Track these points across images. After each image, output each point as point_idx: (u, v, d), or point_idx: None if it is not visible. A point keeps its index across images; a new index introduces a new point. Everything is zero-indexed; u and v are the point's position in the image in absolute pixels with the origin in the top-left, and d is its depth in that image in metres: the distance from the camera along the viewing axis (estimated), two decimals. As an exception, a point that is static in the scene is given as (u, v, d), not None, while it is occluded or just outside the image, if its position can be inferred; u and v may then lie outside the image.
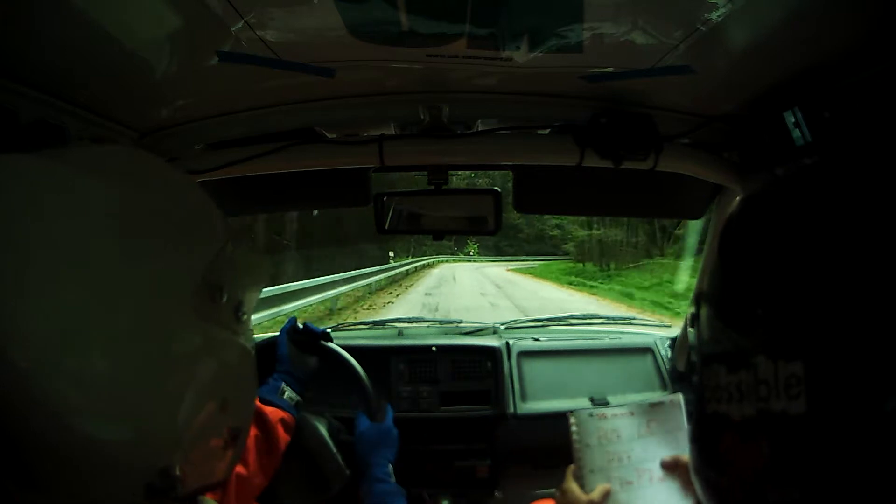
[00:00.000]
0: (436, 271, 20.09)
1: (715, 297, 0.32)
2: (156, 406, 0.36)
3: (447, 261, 28.06)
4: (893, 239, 0.24)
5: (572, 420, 0.73)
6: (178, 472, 0.37)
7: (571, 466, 0.71)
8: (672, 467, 0.68)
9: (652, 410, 0.73)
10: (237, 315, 0.43)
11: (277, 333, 1.33)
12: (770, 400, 0.26)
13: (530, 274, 19.92)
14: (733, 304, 0.30)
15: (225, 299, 0.41)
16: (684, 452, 0.71)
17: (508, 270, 22.55)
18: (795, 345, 0.26)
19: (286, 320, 1.05)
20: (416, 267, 18.87)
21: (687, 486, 0.67)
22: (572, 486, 0.69)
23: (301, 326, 1.03)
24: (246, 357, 0.45)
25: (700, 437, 0.34)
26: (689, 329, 0.39)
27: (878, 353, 0.23)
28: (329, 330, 1.50)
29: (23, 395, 0.31)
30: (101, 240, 0.35)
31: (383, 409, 1.04)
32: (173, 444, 0.37)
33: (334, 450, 1.03)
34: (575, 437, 0.71)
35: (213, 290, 0.40)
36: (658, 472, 0.67)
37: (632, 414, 0.73)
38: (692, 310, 0.36)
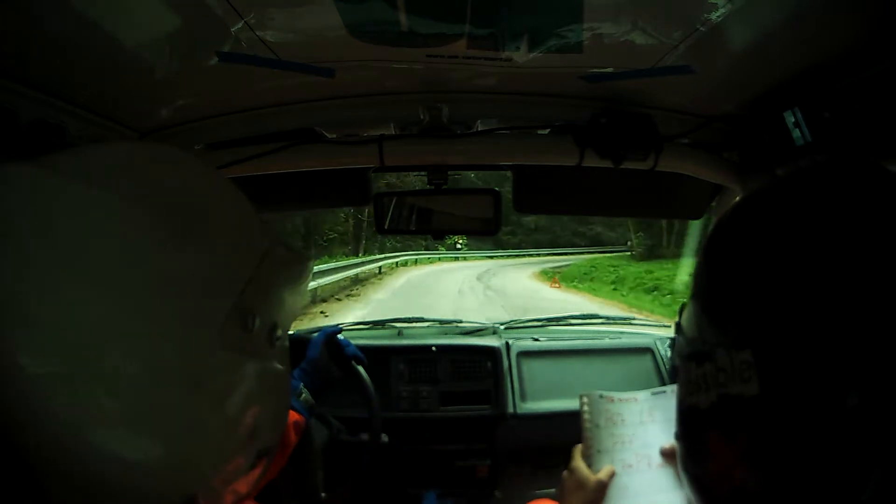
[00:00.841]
0: (399, 283, 11.28)
1: (692, 299, 0.36)
2: (183, 440, 0.34)
3: (423, 259, 18.99)
4: (832, 238, 0.28)
5: (584, 400, 0.75)
6: (200, 499, 0.35)
7: (579, 446, 0.73)
8: (671, 455, 0.69)
9: (654, 398, 0.74)
10: (271, 339, 0.40)
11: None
12: (728, 385, 0.30)
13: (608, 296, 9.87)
14: (703, 304, 0.34)
15: (258, 325, 0.38)
16: None
17: (538, 280, 13.49)
18: (745, 333, 0.29)
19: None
20: (364, 273, 11.42)
21: None
22: (580, 464, 0.70)
23: (341, 339, 1.03)
24: (279, 380, 0.42)
25: (680, 432, 0.36)
26: (675, 334, 0.41)
27: (820, 338, 0.26)
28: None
29: (43, 426, 0.30)
30: (123, 268, 0.32)
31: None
32: (200, 476, 0.35)
33: (319, 459, 1.04)
34: (586, 416, 0.73)
35: (244, 317, 0.36)
36: (657, 458, 0.69)
37: (636, 400, 0.74)
38: (677, 318, 0.39)
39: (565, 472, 0.72)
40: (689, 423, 0.35)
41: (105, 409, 0.31)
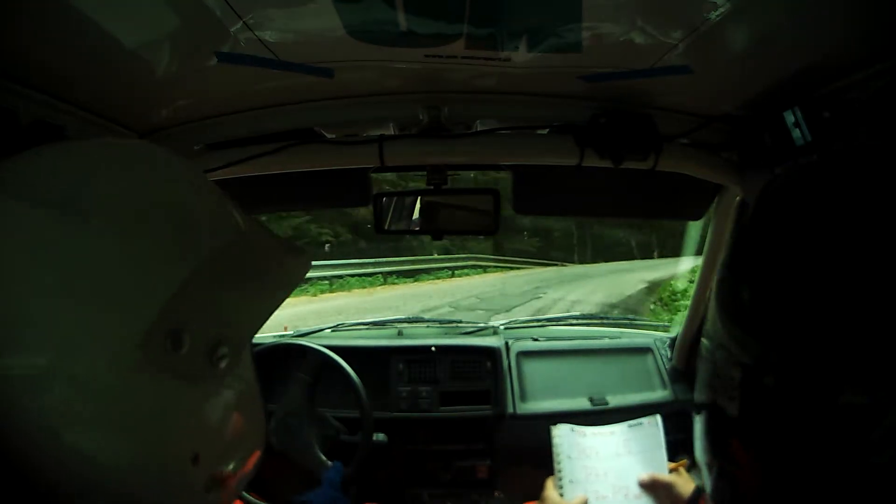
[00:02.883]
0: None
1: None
2: (110, 462, 0.31)
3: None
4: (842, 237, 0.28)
5: (555, 433, 0.78)
6: None
7: (550, 478, 0.75)
8: (649, 486, 0.70)
9: (630, 431, 0.77)
10: (212, 360, 0.35)
11: (283, 335, 1.33)
12: (750, 378, 0.30)
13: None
14: (720, 299, 0.34)
15: (189, 344, 0.33)
16: (661, 471, 0.75)
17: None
18: (755, 326, 0.30)
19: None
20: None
21: (662, 503, 0.71)
22: (552, 493, 0.73)
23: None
24: (226, 404, 0.38)
25: (708, 428, 0.36)
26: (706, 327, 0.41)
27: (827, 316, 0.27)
28: (331, 330, 1.51)
29: None
30: (38, 271, 0.30)
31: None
32: (135, 500, 0.33)
33: (319, 458, 1.04)
34: (556, 448, 0.75)
35: (172, 334, 0.32)
36: (635, 489, 0.70)
37: (612, 433, 0.76)
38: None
39: (537, 502, 0.74)
40: (714, 411, 0.34)
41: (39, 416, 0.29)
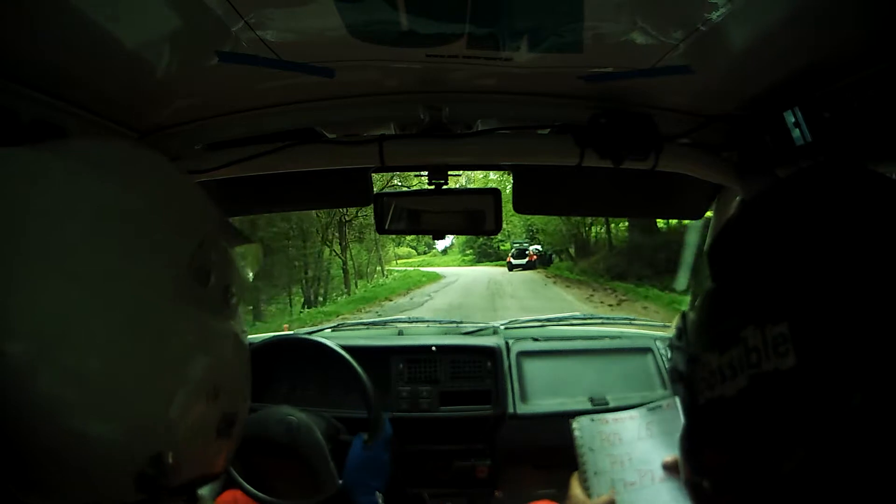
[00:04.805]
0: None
1: (706, 295, 0.35)
2: (143, 393, 0.35)
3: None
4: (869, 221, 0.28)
5: (575, 426, 0.75)
6: (169, 461, 0.36)
7: (576, 473, 0.73)
8: (673, 468, 0.69)
9: (650, 414, 0.75)
10: (226, 298, 0.42)
11: (282, 333, 1.33)
12: (761, 364, 0.29)
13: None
14: (723, 292, 0.33)
15: (213, 282, 0.40)
16: None
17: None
18: (780, 308, 0.29)
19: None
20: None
21: None
22: (577, 492, 0.71)
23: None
24: (237, 342, 0.43)
25: (695, 434, 0.35)
26: (673, 343, 0.40)
27: (855, 311, 0.27)
28: (331, 329, 1.51)
29: (8, 392, 0.32)
30: (72, 234, 0.34)
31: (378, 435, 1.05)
32: (163, 432, 0.36)
33: (329, 458, 1.04)
34: (578, 441, 0.73)
35: (199, 273, 0.38)
36: (659, 473, 0.69)
37: (632, 418, 0.74)
38: (679, 323, 0.38)
39: (565, 501, 0.73)
40: (712, 418, 0.33)
41: (66, 366, 0.32)
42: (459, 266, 27.14)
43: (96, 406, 0.33)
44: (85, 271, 0.34)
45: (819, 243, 0.29)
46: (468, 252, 29.10)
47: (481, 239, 23.63)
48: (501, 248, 25.28)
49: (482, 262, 26.28)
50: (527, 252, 20.11)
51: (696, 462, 0.35)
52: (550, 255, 19.74)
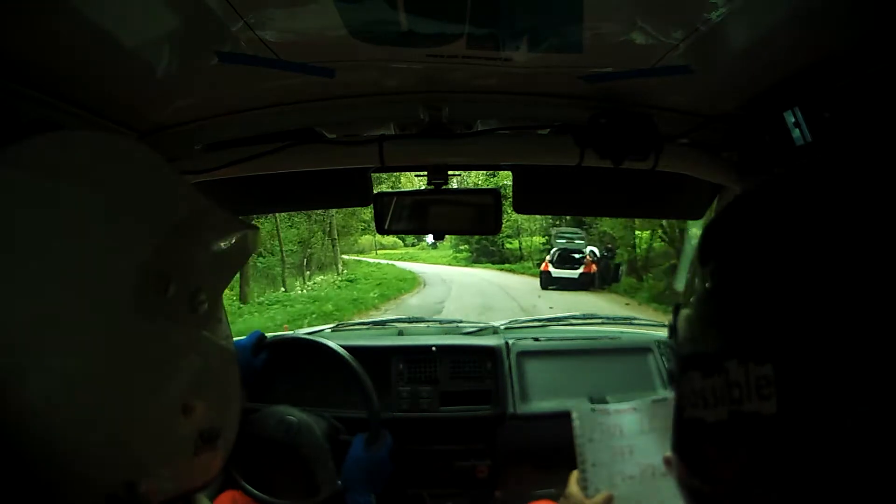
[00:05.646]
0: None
1: (692, 303, 0.32)
2: (103, 416, 0.32)
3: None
4: (864, 243, 0.25)
5: (574, 415, 0.73)
6: (141, 488, 0.34)
7: (575, 472, 0.72)
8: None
9: (654, 407, 0.73)
10: (193, 305, 0.38)
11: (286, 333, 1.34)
12: (742, 402, 0.26)
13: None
14: (707, 308, 0.31)
15: (173, 290, 0.36)
16: None
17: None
18: (765, 348, 0.26)
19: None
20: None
21: None
22: (575, 489, 0.69)
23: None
24: (214, 350, 0.40)
25: (679, 444, 0.33)
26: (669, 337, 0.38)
27: (849, 357, 0.24)
28: (331, 329, 1.51)
29: None
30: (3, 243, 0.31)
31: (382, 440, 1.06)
32: (130, 456, 0.34)
33: (329, 458, 1.04)
34: (577, 431, 0.72)
35: (158, 281, 0.35)
36: (661, 468, 0.67)
37: (634, 410, 0.73)
38: (671, 321, 0.36)
39: (561, 499, 0.71)
40: (690, 436, 0.32)
41: (23, 382, 0.30)
42: (449, 265, 20.63)
43: (58, 427, 0.31)
44: (24, 284, 0.31)
45: (816, 268, 0.25)
46: (462, 248, 22.04)
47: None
48: (507, 245, 19.69)
49: (480, 261, 20.01)
50: (580, 256, 11.43)
51: (686, 465, 0.34)
52: (618, 264, 10.73)
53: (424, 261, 23.30)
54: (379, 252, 24.98)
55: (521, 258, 19.19)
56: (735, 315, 0.28)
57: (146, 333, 0.35)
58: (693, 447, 0.31)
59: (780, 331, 0.26)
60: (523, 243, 19.54)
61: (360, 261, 18.99)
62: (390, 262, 20.68)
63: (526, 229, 18.64)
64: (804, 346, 0.25)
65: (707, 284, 0.31)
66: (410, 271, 16.13)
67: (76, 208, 0.33)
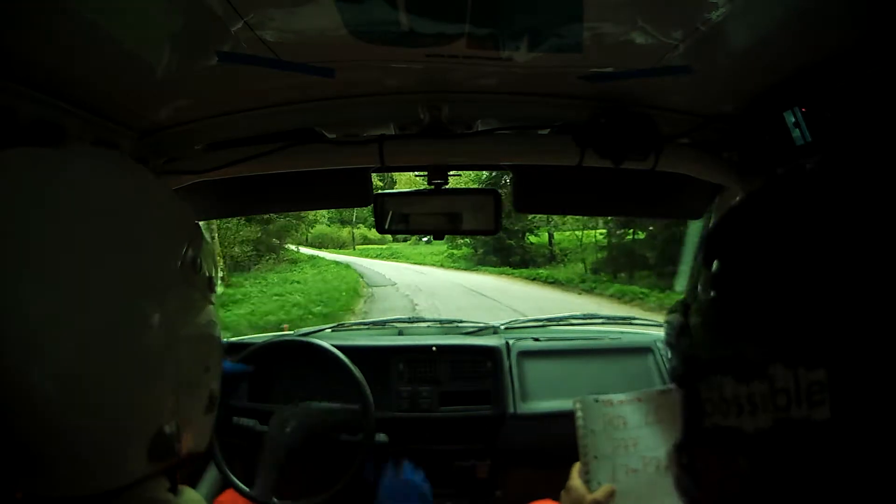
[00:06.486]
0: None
1: (715, 305, 0.31)
2: (151, 366, 0.39)
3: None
4: None
5: (577, 406, 0.70)
6: (174, 429, 0.40)
7: (577, 464, 0.70)
8: None
9: (660, 398, 0.70)
10: (211, 286, 0.47)
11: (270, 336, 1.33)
12: (790, 409, 0.25)
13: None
14: (740, 311, 0.29)
15: (202, 271, 0.45)
16: None
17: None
18: (817, 352, 0.25)
19: None
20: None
21: None
22: (576, 482, 0.68)
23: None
24: (218, 328, 0.48)
25: (703, 453, 0.32)
26: (672, 340, 0.36)
27: None
28: (331, 329, 1.51)
29: (18, 378, 0.34)
30: (102, 231, 0.38)
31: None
32: (169, 406, 0.40)
33: (330, 459, 1.05)
34: (580, 422, 0.69)
35: (194, 262, 0.44)
36: (665, 461, 0.65)
37: (639, 401, 0.70)
38: (678, 318, 0.34)
39: (563, 492, 0.70)
40: (720, 446, 0.30)
41: (79, 344, 0.35)
42: (442, 267, 14.92)
43: (109, 380, 0.36)
44: (110, 263, 0.38)
45: (880, 267, 0.24)
46: (461, 242, 15.53)
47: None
48: (529, 240, 13.58)
49: (487, 263, 13.75)
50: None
51: (697, 475, 0.33)
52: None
53: (408, 257, 17.98)
54: (358, 247, 22.79)
55: (551, 258, 13.27)
56: (779, 319, 0.26)
57: (186, 297, 0.43)
58: (725, 457, 0.29)
59: (833, 335, 0.24)
60: (555, 237, 13.83)
61: (315, 257, 15.17)
62: (358, 259, 16.30)
63: (561, 219, 12.85)
64: (857, 352, 0.24)
65: (731, 286, 0.30)
66: (359, 280, 11.02)
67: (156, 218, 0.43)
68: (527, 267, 12.57)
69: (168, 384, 0.40)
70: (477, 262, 14.52)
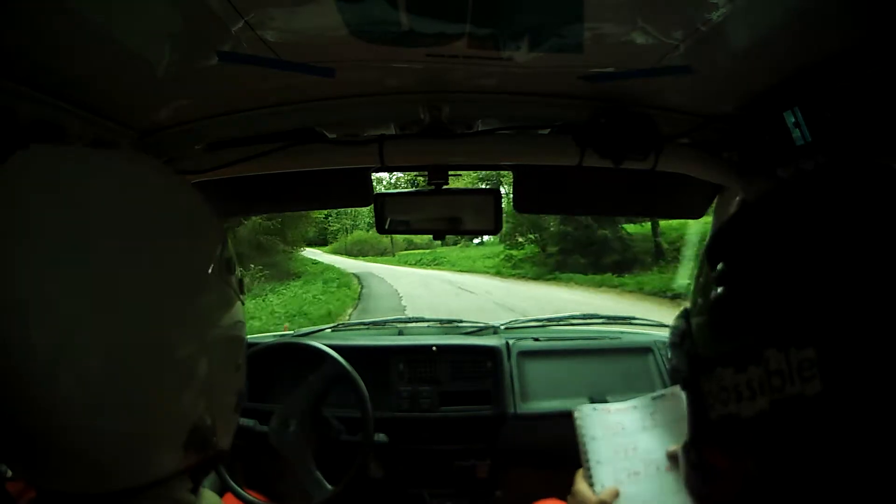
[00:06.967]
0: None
1: (717, 302, 0.33)
2: (196, 365, 0.39)
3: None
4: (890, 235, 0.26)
5: (576, 415, 0.73)
6: (209, 423, 0.41)
7: (581, 469, 0.72)
8: (678, 457, 0.68)
9: (654, 403, 0.73)
10: (241, 286, 0.48)
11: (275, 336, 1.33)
12: (784, 388, 0.27)
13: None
14: (739, 305, 0.31)
15: (235, 272, 0.46)
16: None
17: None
18: (805, 332, 0.27)
19: None
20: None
21: None
22: (582, 486, 0.69)
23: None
24: (245, 328, 0.49)
25: (711, 443, 0.34)
26: (676, 340, 0.39)
27: (882, 335, 0.25)
28: (331, 329, 1.51)
29: (51, 375, 0.34)
30: (154, 232, 0.39)
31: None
32: (207, 400, 0.41)
33: (311, 461, 1.05)
34: (580, 430, 0.72)
35: (229, 262, 0.45)
36: (665, 462, 0.67)
37: (634, 408, 0.73)
38: (682, 321, 0.36)
39: (569, 496, 0.71)
40: (726, 435, 0.32)
41: (116, 340, 0.35)
42: (495, 276, 10.94)
43: (152, 374, 0.37)
44: (161, 263, 0.38)
45: (850, 256, 0.27)
46: (522, 241, 11.55)
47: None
48: (625, 230, 10.00)
49: (566, 268, 9.83)
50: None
51: (705, 471, 0.34)
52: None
53: (452, 265, 14.38)
54: (401, 253, 21.26)
55: (659, 256, 9.23)
56: (771, 306, 0.29)
57: (224, 294, 0.44)
58: (729, 446, 0.32)
59: (818, 315, 0.27)
60: (662, 229, 9.52)
61: (319, 262, 12.70)
62: (383, 268, 13.02)
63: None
64: (842, 327, 0.26)
65: (733, 285, 0.32)
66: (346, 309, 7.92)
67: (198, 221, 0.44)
68: (631, 271, 8.65)
69: (203, 383, 0.40)
70: (555, 267, 10.22)
